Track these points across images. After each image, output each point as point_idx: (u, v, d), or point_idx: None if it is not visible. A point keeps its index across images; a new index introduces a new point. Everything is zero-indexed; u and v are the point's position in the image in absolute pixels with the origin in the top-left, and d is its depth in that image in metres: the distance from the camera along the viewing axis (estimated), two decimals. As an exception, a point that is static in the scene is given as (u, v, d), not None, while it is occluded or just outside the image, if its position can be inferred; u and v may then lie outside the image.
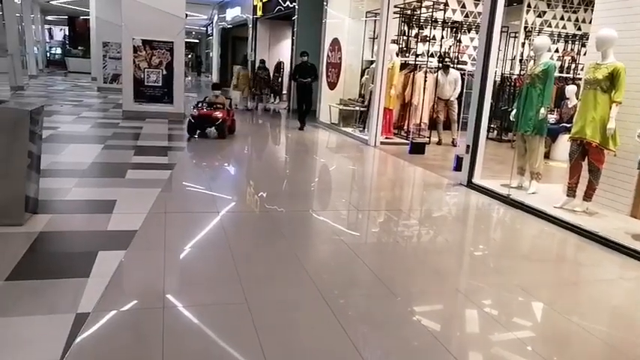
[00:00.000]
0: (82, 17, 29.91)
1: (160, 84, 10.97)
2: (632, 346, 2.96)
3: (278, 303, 3.13)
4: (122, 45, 11.02)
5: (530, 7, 11.31)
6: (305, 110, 11.31)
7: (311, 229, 4.90)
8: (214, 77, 26.10)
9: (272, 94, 16.12)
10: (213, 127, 8.93)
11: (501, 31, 6.68)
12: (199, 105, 9.18)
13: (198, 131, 8.94)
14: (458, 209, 6.00)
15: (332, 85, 12.15)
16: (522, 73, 10.47)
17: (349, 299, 3.25)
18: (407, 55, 10.74)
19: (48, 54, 32.26)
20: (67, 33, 35.24)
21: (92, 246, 3.73)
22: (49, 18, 33.24)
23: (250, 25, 18.29)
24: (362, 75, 11.74)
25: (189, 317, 2.85)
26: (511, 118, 6.45)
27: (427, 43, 10.72)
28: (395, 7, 9.64)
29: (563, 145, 8.79)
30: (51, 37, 35.54)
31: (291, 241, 4.34)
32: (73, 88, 18.82)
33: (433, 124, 10.48)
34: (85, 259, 3.46)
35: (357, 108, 11.21)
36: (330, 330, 2.81)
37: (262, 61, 15.10)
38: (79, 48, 31.18)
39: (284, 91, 16.53)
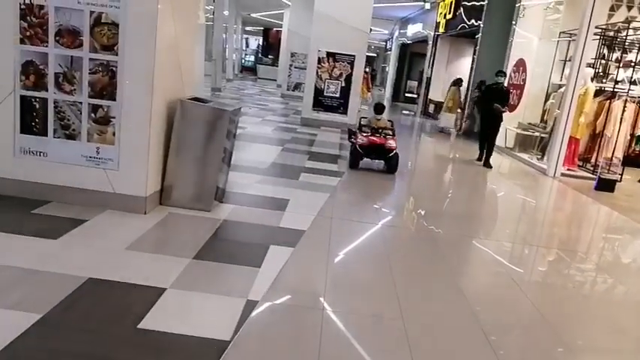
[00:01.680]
0: (275, 29, 32.93)
1: (338, 95, 11.54)
2: None
3: (435, 326, 3.07)
4: (308, 56, 11.84)
5: None
6: (489, 141, 9.36)
7: (471, 255, 4.69)
8: (387, 91, 26.55)
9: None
10: (383, 160, 7.39)
11: None
12: (363, 130, 7.51)
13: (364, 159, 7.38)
14: (650, 261, 5.21)
15: (511, 108, 11.46)
16: None
17: (509, 336, 3.03)
18: (604, 80, 9.66)
19: (243, 60, 36.21)
20: (260, 42, 39.16)
21: (265, 239, 4.06)
22: (248, 28, 37.28)
23: (430, 42, 18.22)
24: (546, 99, 10.88)
25: (345, 323, 2.93)
26: None
27: (631, 69, 9.51)
28: (596, 27, 8.74)
29: None
30: (247, 45, 39.82)
31: (449, 264, 4.21)
32: (261, 92, 20.78)
33: (628, 160, 9.24)
34: (259, 250, 3.79)
35: (537, 134, 10.42)
36: (487, 367, 2.66)
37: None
38: (269, 57, 34.39)
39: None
